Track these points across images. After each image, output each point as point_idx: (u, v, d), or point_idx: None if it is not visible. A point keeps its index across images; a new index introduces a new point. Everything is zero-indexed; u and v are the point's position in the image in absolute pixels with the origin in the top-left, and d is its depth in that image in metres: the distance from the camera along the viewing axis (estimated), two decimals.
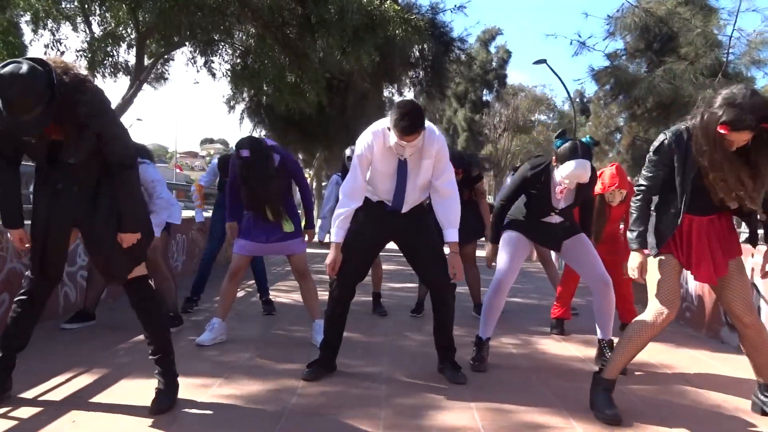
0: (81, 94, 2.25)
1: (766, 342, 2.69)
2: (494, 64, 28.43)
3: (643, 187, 2.68)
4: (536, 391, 3.12)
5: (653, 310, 2.66)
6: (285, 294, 6.11)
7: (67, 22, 9.25)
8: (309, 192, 4.20)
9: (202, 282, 5.13)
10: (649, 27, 11.02)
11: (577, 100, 11.04)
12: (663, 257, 2.68)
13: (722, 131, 2.41)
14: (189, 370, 3.16)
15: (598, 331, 3.59)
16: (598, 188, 4.26)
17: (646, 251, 2.68)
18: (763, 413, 2.80)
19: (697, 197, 2.61)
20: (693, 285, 4.94)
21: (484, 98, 28.97)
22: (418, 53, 14.06)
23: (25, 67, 2.12)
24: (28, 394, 2.73)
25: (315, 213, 5.40)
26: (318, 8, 7.14)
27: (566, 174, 3.29)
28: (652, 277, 2.70)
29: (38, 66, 2.16)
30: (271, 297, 5.19)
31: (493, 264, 3.70)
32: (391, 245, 3.41)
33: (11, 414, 2.49)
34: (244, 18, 7.74)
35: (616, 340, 3.16)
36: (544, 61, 14.79)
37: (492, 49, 28.55)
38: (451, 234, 3.10)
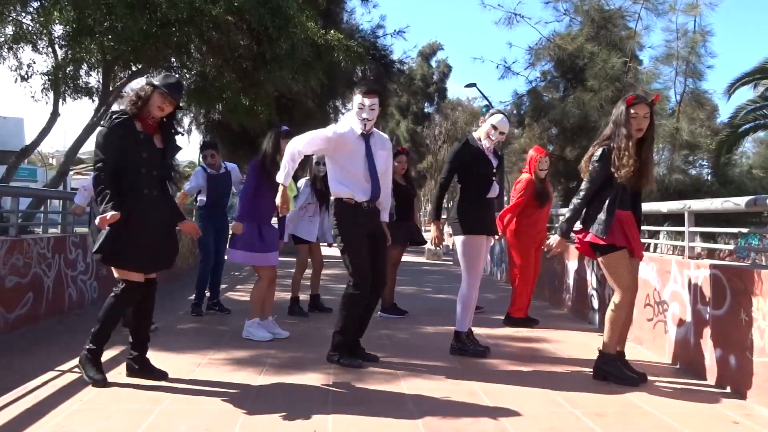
0: None
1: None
2: (435, 77, 29.89)
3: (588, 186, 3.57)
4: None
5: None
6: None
7: (32, 47, 9.96)
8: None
9: (205, 287, 5.71)
10: (563, 60, 12.63)
11: (515, 112, 12.18)
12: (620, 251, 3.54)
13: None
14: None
15: None
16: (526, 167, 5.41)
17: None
18: (604, 378, 3.65)
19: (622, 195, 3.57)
20: (571, 279, 6.30)
21: (426, 110, 30.33)
22: (360, 73, 15.31)
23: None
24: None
25: None
26: (271, 46, 8.21)
27: (496, 121, 4.11)
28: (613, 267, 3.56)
29: None
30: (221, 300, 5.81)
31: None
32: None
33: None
34: (206, 54, 8.75)
35: None
36: (474, 84, 16.27)
37: (433, 63, 29.99)
38: (385, 215, 3.99)
